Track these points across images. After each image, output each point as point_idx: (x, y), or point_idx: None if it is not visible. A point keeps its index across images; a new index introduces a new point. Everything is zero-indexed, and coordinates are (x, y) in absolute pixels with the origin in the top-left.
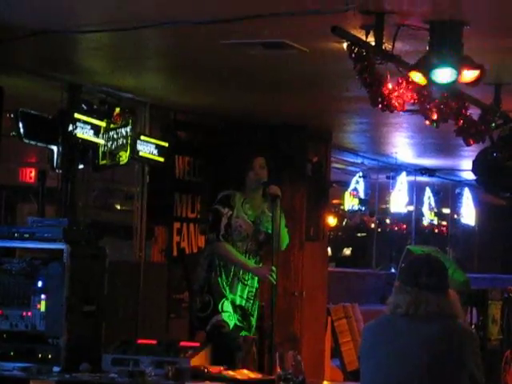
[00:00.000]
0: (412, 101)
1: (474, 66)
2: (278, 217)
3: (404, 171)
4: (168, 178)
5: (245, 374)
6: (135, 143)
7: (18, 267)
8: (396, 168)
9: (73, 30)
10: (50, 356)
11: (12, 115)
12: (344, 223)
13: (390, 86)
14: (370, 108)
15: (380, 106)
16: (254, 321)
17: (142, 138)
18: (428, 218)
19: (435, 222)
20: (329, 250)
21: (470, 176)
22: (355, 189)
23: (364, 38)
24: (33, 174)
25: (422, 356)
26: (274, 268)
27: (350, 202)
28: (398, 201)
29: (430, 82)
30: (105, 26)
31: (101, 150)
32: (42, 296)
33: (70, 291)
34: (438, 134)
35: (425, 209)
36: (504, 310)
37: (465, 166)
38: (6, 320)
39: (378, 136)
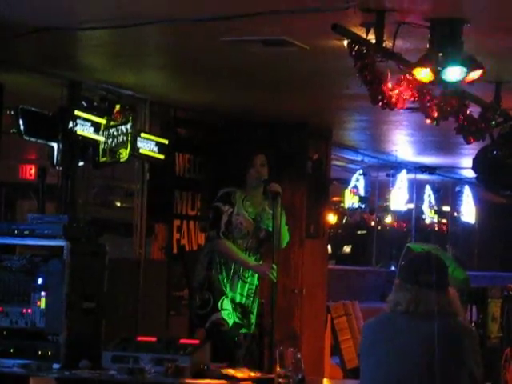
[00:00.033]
0: (412, 98)
1: (475, 65)
2: (279, 214)
3: (404, 169)
4: (168, 175)
5: (244, 371)
6: (135, 140)
7: (18, 264)
8: (396, 166)
9: (73, 27)
10: (49, 353)
11: (12, 112)
12: (344, 221)
13: (390, 83)
14: (371, 106)
15: (380, 103)
16: (253, 318)
17: (142, 135)
18: (428, 215)
19: (435, 220)
20: (329, 247)
21: (470, 174)
22: (355, 186)
23: (364, 35)
24: (33, 170)
25: (422, 354)
26: (274, 266)
27: (350, 200)
28: (398, 198)
29: (439, 79)
30: (105, 23)
31: (101, 147)
32: (42, 293)
33: (69, 288)
34: (439, 131)
35: (425, 207)
36: (504, 308)
37: (465, 164)
38: (6, 317)
39: (379, 134)
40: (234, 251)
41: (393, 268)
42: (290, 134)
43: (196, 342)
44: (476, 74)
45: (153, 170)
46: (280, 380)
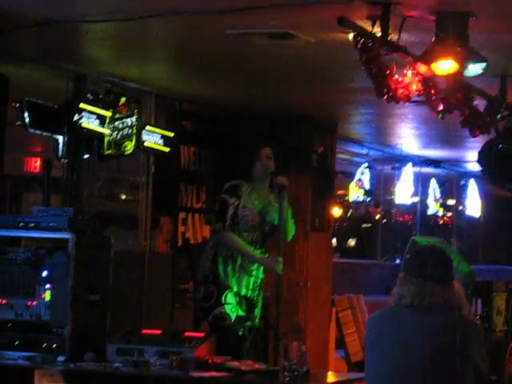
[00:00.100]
0: (418, 92)
1: (479, 59)
2: (285, 207)
3: (409, 162)
4: (173, 168)
5: (249, 364)
6: (140, 133)
7: (23, 257)
8: (401, 159)
9: (79, 20)
10: (54, 346)
11: (18, 105)
12: (349, 214)
13: (395, 76)
14: (376, 99)
15: (385, 96)
16: (258, 311)
17: (148, 127)
18: (433, 209)
19: (440, 214)
20: (334, 240)
21: (475, 167)
22: (360, 180)
23: (370, 28)
24: (38, 163)
25: (427, 347)
26: (280, 258)
27: (355, 193)
28: (404, 192)
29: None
30: (110, 15)
31: (106, 139)
32: (47, 286)
33: (74, 281)
34: (444, 125)
35: (430, 200)
36: (509, 302)
37: (470, 158)
38: (11, 309)
39: (384, 127)
40: (240, 244)
41: (398, 261)
42: (295, 127)
43: (201, 334)
44: (480, 68)
45: (158, 163)
46: (285, 373)
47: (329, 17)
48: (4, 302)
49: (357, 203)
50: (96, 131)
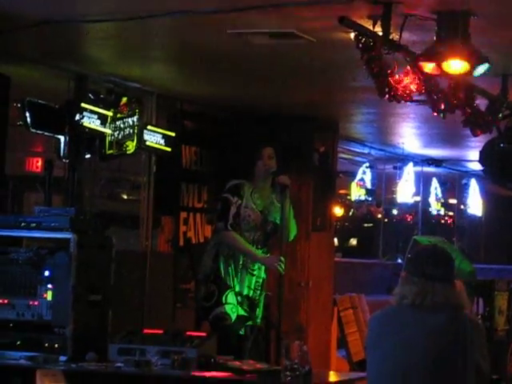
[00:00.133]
0: (419, 91)
1: (479, 58)
2: (287, 207)
3: (411, 161)
4: (175, 167)
5: (251, 364)
6: (142, 133)
7: (25, 257)
8: (403, 158)
9: (80, 20)
10: (56, 345)
11: (19, 105)
12: (351, 213)
13: (397, 76)
14: (377, 98)
15: (387, 96)
16: (260, 311)
17: (149, 127)
18: (435, 208)
19: (442, 213)
20: (335, 240)
21: (476, 166)
22: (362, 179)
23: (371, 28)
24: (39, 163)
25: (428, 347)
26: (282, 258)
27: (357, 193)
28: (405, 191)
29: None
30: (111, 15)
31: (107, 139)
32: (49, 285)
33: (76, 281)
34: (445, 124)
35: (431, 199)
36: (510, 301)
37: (472, 157)
38: (13, 309)
39: (385, 126)
40: (242, 243)
41: (399, 261)
42: (296, 126)
43: (202, 334)
44: (483, 69)
45: (159, 163)
46: (286, 373)
47: (330, 16)
48: (6, 301)
49: (358, 203)
50: (97, 131)
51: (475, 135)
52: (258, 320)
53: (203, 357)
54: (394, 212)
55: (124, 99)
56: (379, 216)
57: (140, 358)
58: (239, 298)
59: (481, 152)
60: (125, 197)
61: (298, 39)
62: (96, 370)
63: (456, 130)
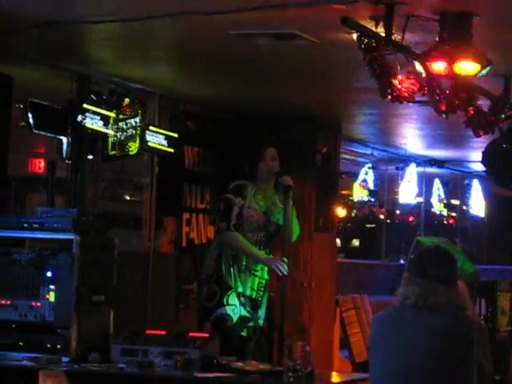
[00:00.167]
0: (421, 92)
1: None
2: (290, 208)
3: (413, 162)
4: (177, 168)
5: (253, 364)
6: (144, 134)
7: (28, 257)
8: (405, 159)
9: (83, 21)
10: (59, 346)
11: (21, 105)
12: (353, 214)
13: (399, 76)
14: (380, 99)
15: (389, 96)
16: (262, 312)
17: (152, 128)
18: (437, 209)
19: (444, 214)
20: (338, 240)
21: (479, 167)
22: (364, 180)
23: (374, 28)
24: (42, 164)
25: (431, 347)
26: (285, 259)
27: (359, 193)
28: (408, 192)
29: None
30: (114, 16)
31: (110, 140)
32: (51, 286)
33: (79, 281)
34: (448, 125)
35: (434, 200)
36: None
37: (474, 158)
38: (16, 310)
39: (388, 127)
40: (245, 243)
41: (402, 261)
42: (298, 127)
43: (205, 335)
44: (485, 70)
45: (162, 164)
46: (289, 373)
47: (333, 17)
48: (8, 302)
49: (361, 203)
50: (100, 132)
51: (477, 136)
52: (261, 321)
53: (206, 358)
54: (397, 213)
55: (126, 100)
56: (382, 217)
57: (143, 358)
58: (242, 298)
59: (483, 153)
60: (127, 198)
61: (300, 40)
62: (99, 371)
63: (458, 130)
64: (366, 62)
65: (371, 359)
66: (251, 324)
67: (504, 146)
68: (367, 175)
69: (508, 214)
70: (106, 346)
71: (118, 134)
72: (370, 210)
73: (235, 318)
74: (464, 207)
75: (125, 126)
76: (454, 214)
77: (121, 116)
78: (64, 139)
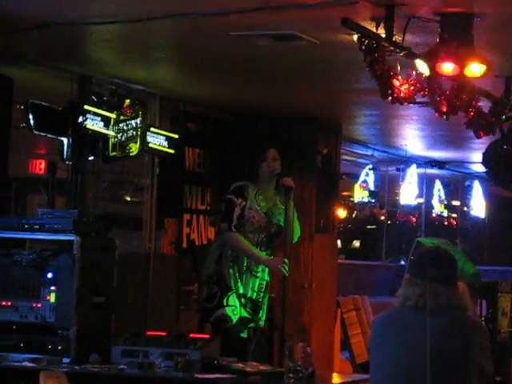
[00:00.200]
0: (422, 93)
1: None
2: (291, 209)
3: (414, 163)
4: (178, 169)
5: (254, 365)
6: (145, 135)
7: (28, 258)
8: (406, 160)
9: (83, 22)
10: (59, 347)
11: (22, 107)
12: (354, 215)
13: (400, 78)
14: (380, 100)
15: (390, 98)
16: (263, 313)
17: (152, 129)
18: (438, 210)
19: (445, 215)
20: (338, 242)
21: (479, 168)
22: (365, 181)
23: (374, 29)
24: (43, 165)
25: (432, 348)
26: (286, 260)
27: (360, 194)
28: (408, 193)
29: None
30: (114, 17)
31: (111, 141)
32: (52, 287)
33: (79, 283)
34: (448, 126)
35: (434, 201)
36: None
37: (475, 159)
38: (16, 311)
39: (388, 128)
40: (246, 244)
41: (402, 262)
42: (299, 128)
43: (206, 336)
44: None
45: (162, 165)
46: (289, 374)
47: (333, 18)
48: (9, 303)
49: (361, 204)
50: (101, 133)
51: (478, 137)
52: (262, 322)
53: (206, 359)
54: (397, 214)
55: (127, 101)
56: (382, 218)
57: (143, 360)
58: (243, 299)
59: (484, 154)
60: (128, 199)
61: (300, 41)
62: (99, 372)
63: (459, 131)
64: (367, 63)
65: (372, 360)
66: (252, 325)
67: (505, 147)
68: (368, 176)
69: (508, 215)
70: (106, 347)
71: (119, 135)
72: (370, 211)
73: (235, 318)
74: (465, 208)
75: (125, 127)
76: (454, 215)
77: (121, 117)
78: (65, 140)
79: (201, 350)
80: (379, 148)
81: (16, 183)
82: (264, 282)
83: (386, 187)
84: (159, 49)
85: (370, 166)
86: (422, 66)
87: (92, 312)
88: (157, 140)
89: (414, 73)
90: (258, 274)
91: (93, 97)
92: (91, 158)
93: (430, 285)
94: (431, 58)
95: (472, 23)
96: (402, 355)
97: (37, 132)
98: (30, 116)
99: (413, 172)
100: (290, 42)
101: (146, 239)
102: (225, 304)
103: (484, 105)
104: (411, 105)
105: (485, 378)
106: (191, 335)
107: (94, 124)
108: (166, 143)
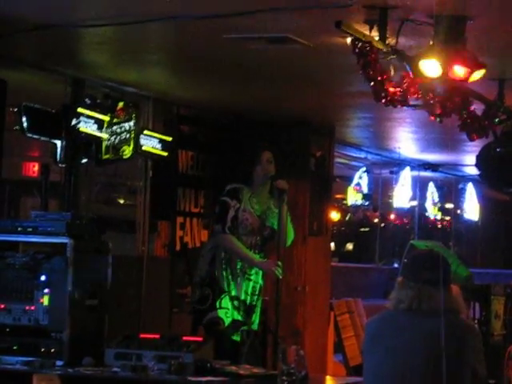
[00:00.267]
0: (415, 96)
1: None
2: (285, 212)
3: (407, 166)
4: (171, 172)
5: (247, 368)
6: (138, 137)
7: (21, 261)
8: (399, 163)
9: (76, 24)
10: (53, 350)
11: (15, 109)
12: (347, 218)
13: (393, 80)
14: (374, 103)
15: (383, 100)
16: (256, 316)
17: (146, 132)
18: (431, 212)
19: (438, 217)
20: (332, 244)
21: (473, 171)
22: (358, 184)
23: (368, 32)
24: (36, 168)
25: (425, 351)
26: (279, 263)
27: (354, 197)
28: (402, 196)
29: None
30: (108, 20)
31: (104, 144)
32: (45, 290)
33: (73, 285)
34: (442, 128)
35: (428, 204)
36: (507, 306)
37: (468, 161)
38: (9, 314)
39: (382, 131)
40: (239, 247)
41: (396, 265)
42: (293, 131)
43: (199, 339)
44: (479, 74)
45: (156, 167)
46: (283, 377)
47: (327, 21)
48: (2, 306)
49: (355, 207)
50: (94, 136)
51: (471, 140)
52: (255, 326)
53: (200, 361)
54: (391, 217)
55: (120, 104)
56: (376, 220)
57: (136, 362)
58: (236, 302)
59: (477, 156)
60: (121, 201)
61: (294, 44)
62: (92, 375)
63: (452, 134)
64: (360, 65)
65: (365, 363)
66: (245, 328)
67: (498, 149)
68: (361, 179)
69: (502, 217)
70: (99, 350)
71: (112, 138)
72: (364, 213)
73: (227, 321)
74: (458, 211)
75: (119, 130)
76: (448, 218)
77: (115, 120)
78: (58, 143)
79: (194, 352)
80: (373, 151)
81: (9, 186)
82: (257, 286)
83: (380, 190)
84: (153, 51)
85: (364, 169)
86: (414, 69)
87: (85, 315)
88: (150, 143)
89: (407, 75)
90: (252, 277)
91: (86, 99)
92: (84, 160)
93: (423, 287)
94: (422, 60)
95: (465, 26)
96: (395, 358)
97: (30, 135)
98: (24, 118)
99: (406, 175)
100: (284, 44)
101: (139, 242)
102: (217, 306)
103: (477, 107)
104: (404, 107)
105: (478, 381)
106: (184, 338)
107: (88, 127)
108: (159, 146)
